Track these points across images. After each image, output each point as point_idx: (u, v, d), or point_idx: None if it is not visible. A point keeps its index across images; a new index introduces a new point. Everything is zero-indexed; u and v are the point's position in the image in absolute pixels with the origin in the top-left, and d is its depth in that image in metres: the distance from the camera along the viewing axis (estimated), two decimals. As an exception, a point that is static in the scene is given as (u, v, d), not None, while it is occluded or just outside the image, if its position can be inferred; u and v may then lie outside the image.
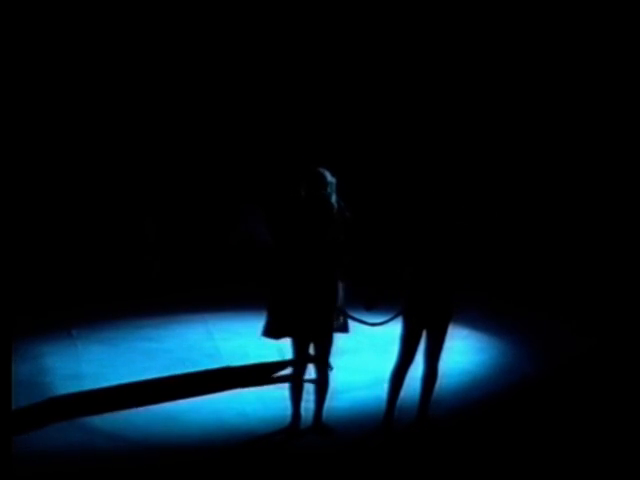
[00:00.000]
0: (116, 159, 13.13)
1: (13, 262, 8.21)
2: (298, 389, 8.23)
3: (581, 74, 13.15)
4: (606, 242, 12.88)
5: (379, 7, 13.18)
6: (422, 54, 13.34)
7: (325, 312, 8.02)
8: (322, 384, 8.21)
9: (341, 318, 8.37)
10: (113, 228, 13.02)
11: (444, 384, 8.58)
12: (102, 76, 12.94)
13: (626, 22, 12.84)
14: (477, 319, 11.08)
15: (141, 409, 8.70)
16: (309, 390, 8.31)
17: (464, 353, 10.09)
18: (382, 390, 8.32)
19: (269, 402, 8.80)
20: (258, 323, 8.50)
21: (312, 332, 8.06)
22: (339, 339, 8.33)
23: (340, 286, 8.18)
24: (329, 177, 8.29)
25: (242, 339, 10.41)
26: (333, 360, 8.21)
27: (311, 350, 8.17)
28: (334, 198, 8.33)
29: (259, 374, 9.41)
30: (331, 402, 8.36)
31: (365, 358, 9.91)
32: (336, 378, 8.43)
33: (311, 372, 8.28)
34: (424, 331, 8.11)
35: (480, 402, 9.00)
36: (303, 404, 8.27)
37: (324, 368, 8.16)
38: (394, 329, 8.23)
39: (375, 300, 8.03)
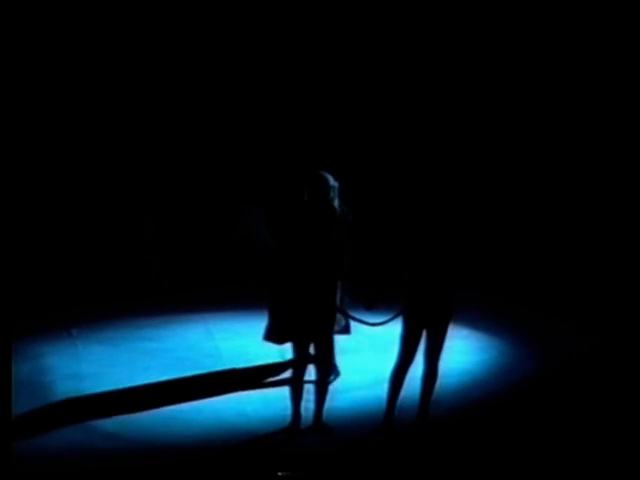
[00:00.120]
0: (116, 159, 13.14)
1: (13, 262, 8.21)
2: (298, 389, 8.22)
3: (581, 74, 13.15)
4: (606, 242, 12.88)
5: (379, 10, 13.18)
6: (422, 56, 13.35)
7: (325, 314, 8.01)
8: (322, 384, 8.21)
9: (343, 320, 8.37)
10: (113, 228, 13.02)
11: (444, 384, 8.57)
12: (102, 77, 12.95)
13: (626, 22, 12.85)
14: (477, 319, 11.09)
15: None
16: (309, 390, 8.31)
17: (464, 353, 10.09)
18: (382, 390, 8.31)
19: (269, 402, 8.80)
20: (258, 323, 8.49)
21: (312, 334, 8.06)
22: (339, 339, 8.34)
23: (340, 287, 8.18)
24: (332, 181, 8.31)
25: (242, 339, 10.42)
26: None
27: (311, 350, 8.17)
28: (337, 202, 8.34)
29: (261, 377, 9.40)
30: (331, 402, 8.36)
31: (365, 358, 9.91)
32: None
33: (311, 372, 8.28)
34: (424, 331, 8.11)
35: (480, 402, 8.99)
36: (303, 404, 8.27)
37: (324, 368, 8.16)
38: (394, 329, 8.23)
39: (375, 300, 8.02)
